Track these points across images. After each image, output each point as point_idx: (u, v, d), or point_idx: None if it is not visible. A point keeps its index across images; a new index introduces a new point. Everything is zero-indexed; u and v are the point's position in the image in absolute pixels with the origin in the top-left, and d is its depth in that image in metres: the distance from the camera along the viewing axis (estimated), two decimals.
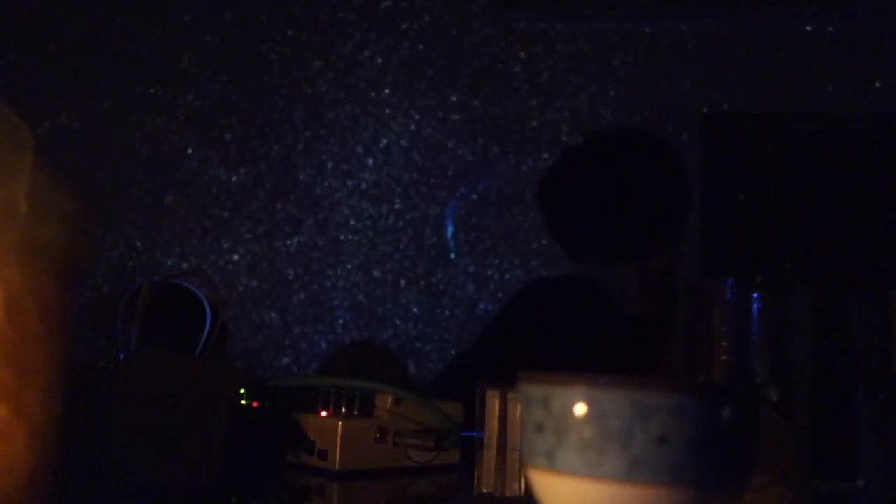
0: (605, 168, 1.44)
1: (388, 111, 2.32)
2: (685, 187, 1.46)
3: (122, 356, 0.82)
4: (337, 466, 0.80)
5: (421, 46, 2.32)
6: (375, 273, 2.28)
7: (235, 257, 2.30)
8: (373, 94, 2.33)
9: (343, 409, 0.84)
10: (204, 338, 0.86)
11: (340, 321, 2.27)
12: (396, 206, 2.30)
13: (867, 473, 0.64)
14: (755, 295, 0.64)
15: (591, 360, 1.39)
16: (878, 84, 2.16)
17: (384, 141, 2.32)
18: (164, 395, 0.73)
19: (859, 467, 0.64)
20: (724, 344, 0.64)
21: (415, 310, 2.24)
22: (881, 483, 0.63)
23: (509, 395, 0.73)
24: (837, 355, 0.68)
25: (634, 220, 1.40)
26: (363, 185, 2.31)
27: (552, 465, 0.46)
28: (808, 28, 2.21)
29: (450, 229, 2.24)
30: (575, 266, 1.51)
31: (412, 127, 2.31)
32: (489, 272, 2.22)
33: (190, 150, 2.34)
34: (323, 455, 0.82)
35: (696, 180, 2.19)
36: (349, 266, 2.29)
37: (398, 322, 2.24)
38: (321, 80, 2.34)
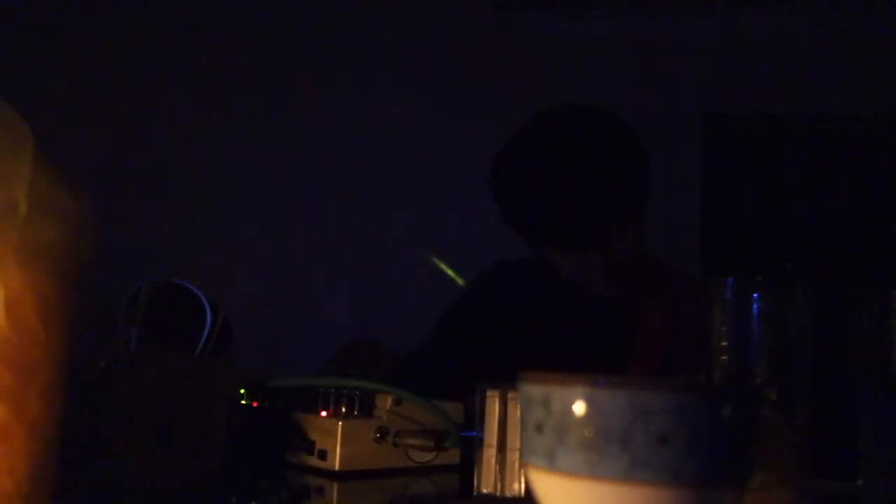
0: (559, 151, 1.37)
1: (386, 110, 2.32)
2: (644, 167, 1.39)
3: (122, 356, 0.82)
4: (337, 466, 0.81)
5: (420, 46, 2.32)
6: (376, 271, 2.28)
7: (236, 257, 2.30)
8: (371, 93, 2.33)
9: (343, 409, 0.84)
10: (204, 337, 0.86)
11: (341, 320, 2.27)
12: (395, 205, 2.30)
13: (867, 473, 0.64)
14: (755, 295, 0.64)
15: (564, 347, 1.37)
16: (877, 84, 2.16)
17: (383, 140, 2.32)
18: (165, 394, 0.73)
19: (859, 467, 0.64)
20: (724, 344, 0.64)
21: (417, 308, 2.23)
22: (881, 483, 0.63)
23: (509, 395, 0.73)
24: (837, 355, 0.68)
25: (591, 205, 1.34)
26: (362, 184, 2.31)
27: (552, 465, 0.46)
28: (807, 28, 2.21)
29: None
30: (535, 252, 1.45)
31: (411, 127, 2.31)
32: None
33: (190, 150, 2.34)
34: (323, 455, 0.82)
35: (696, 180, 2.19)
36: (350, 265, 2.29)
37: (400, 321, 2.24)
38: (321, 82, 2.34)
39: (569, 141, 1.38)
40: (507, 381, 0.68)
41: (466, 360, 1.37)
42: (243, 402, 0.88)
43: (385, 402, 0.85)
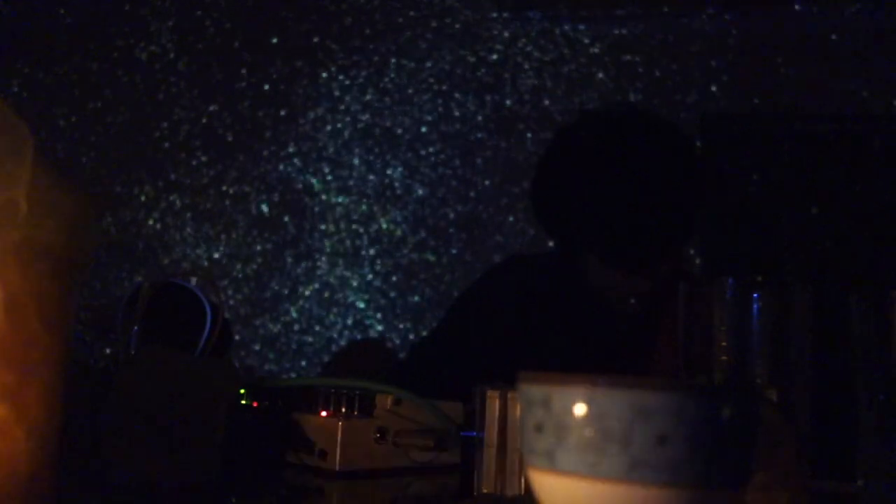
0: (609, 156, 1.26)
1: (387, 111, 2.32)
2: (698, 179, 1.30)
3: (122, 356, 0.82)
4: (337, 466, 0.80)
5: (422, 45, 2.32)
6: (376, 272, 2.28)
7: (236, 257, 2.30)
8: (372, 94, 2.33)
9: (343, 409, 0.84)
10: (204, 337, 0.86)
11: (341, 320, 2.27)
12: (396, 206, 2.30)
13: (867, 473, 0.64)
14: (755, 295, 0.64)
15: (582, 356, 1.32)
16: (878, 84, 2.16)
17: (384, 139, 2.32)
18: (165, 394, 0.73)
19: (859, 467, 0.64)
20: (724, 344, 0.64)
21: (418, 307, 2.24)
22: (881, 483, 0.63)
23: (509, 395, 0.73)
24: (837, 355, 0.68)
25: (644, 221, 1.23)
26: (363, 185, 2.31)
27: (552, 465, 0.46)
28: (808, 28, 2.21)
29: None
30: (564, 259, 1.37)
31: (412, 127, 2.31)
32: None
33: (191, 151, 2.34)
34: (323, 455, 0.82)
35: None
36: (350, 265, 2.29)
37: (400, 321, 2.24)
38: (321, 81, 2.34)
39: (631, 144, 1.28)
40: (508, 380, 0.68)
41: (471, 356, 1.34)
42: (243, 402, 0.87)
43: (385, 402, 0.85)
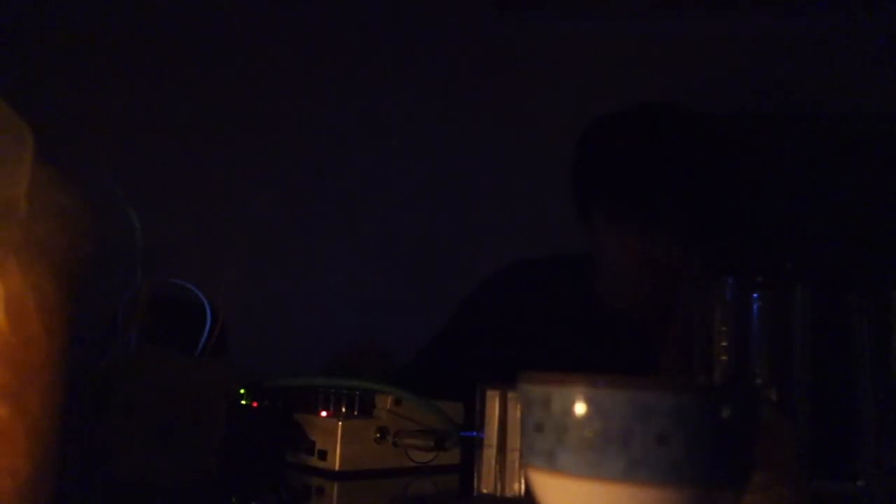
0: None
1: (385, 108, 2.32)
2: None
3: (122, 356, 0.82)
4: (337, 466, 0.81)
5: (420, 44, 2.32)
6: (376, 272, 2.28)
7: (236, 257, 2.30)
8: (370, 91, 2.33)
9: (343, 409, 0.84)
10: (204, 338, 0.86)
11: (341, 320, 2.27)
12: (396, 207, 2.30)
13: (867, 473, 0.64)
14: (755, 295, 0.64)
15: (585, 356, 1.31)
16: (878, 84, 2.16)
17: (382, 139, 2.32)
18: (165, 395, 0.73)
19: (859, 467, 0.64)
20: (724, 344, 0.64)
21: (417, 308, 2.23)
22: (881, 483, 0.63)
23: (509, 395, 0.73)
24: (837, 355, 0.68)
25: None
26: (364, 184, 2.31)
27: (552, 465, 0.46)
28: (807, 28, 2.21)
29: None
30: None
31: (411, 127, 2.31)
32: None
33: (191, 151, 2.34)
34: (323, 455, 0.82)
35: None
36: (350, 265, 2.29)
37: (400, 321, 2.24)
38: (321, 82, 2.34)
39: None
40: (508, 380, 0.68)
41: (475, 361, 1.34)
42: (243, 402, 0.88)
43: (385, 402, 0.85)
